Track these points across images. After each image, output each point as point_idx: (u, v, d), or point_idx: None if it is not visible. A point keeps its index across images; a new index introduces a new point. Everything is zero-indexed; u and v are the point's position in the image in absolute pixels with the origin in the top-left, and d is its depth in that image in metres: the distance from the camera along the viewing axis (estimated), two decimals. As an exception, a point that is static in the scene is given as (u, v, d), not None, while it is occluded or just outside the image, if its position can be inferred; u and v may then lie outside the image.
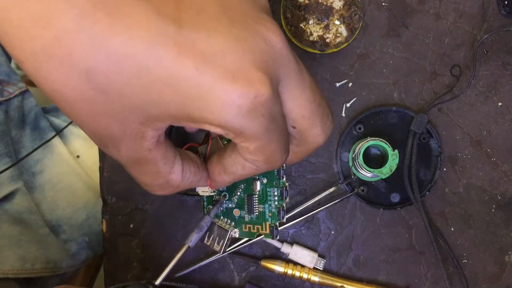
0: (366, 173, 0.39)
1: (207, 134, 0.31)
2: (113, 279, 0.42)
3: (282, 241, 0.41)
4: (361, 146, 0.37)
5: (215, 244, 0.34)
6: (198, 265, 0.41)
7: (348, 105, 0.41)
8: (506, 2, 0.39)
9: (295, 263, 0.41)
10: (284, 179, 0.33)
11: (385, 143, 0.37)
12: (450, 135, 0.41)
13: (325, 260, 0.41)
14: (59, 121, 0.61)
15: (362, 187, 0.40)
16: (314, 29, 0.39)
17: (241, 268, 0.42)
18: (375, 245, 0.41)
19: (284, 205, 0.33)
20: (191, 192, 0.41)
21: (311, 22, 0.39)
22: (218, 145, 0.30)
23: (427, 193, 0.41)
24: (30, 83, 0.67)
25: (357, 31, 0.40)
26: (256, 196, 0.33)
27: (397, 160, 0.37)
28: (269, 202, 0.33)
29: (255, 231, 0.33)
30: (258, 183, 0.33)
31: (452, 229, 0.41)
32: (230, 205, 0.34)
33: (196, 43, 0.18)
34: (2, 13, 0.17)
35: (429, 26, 0.41)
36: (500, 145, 0.41)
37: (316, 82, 0.24)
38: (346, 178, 0.41)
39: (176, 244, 0.42)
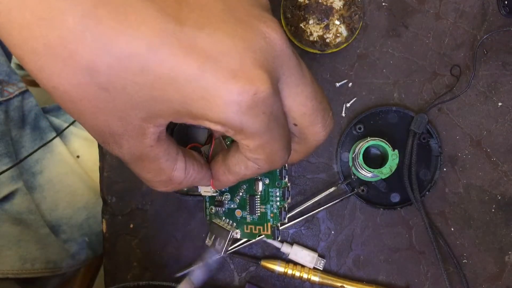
0: (366, 173, 0.39)
1: (210, 134, 0.31)
2: (113, 279, 0.42)
3: (282, 241, 0.41)
4: (361, 146, 0.37)
5: (216, 244, 0.34)
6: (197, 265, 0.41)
7: (348, 105, 0.41)
8: (506, 2, 0.39)
9: (295, 263, 0.41)
10: (286, 179, 0.33)
11: (385, 143, 0.37)
12: (450, 135, 0.41)
13: (325, 260, 0.41)
14: (59, 121, 0.61)
15: (362, 187, 0.40)
16: (314, 29, 0.39)
17: (241, 268, 0.42)
18: (375, 245, 0.41)
19: (286, 205, 0.33)
20: (192, 192, 0.41)
21: (311, 22, 0.39)
22: (221, 146, 0.30)
23: (427, 193, 0.41)
24: (30, 83, 0.67)
25: (357, 31, 0.40)
26: (258, 196, 0.33)
27: (397, 160, 0.37)
28: (271, 203, 0.33)
29: (257, 232, 0.33)
30: (260, 183, 0.33)
31: (452, 229, 0.41)
32: (232, 205, 0.34)
33: (199, 42, 0.19)
34: (5, 13, 0.17)
35: (429, 26, 0.41)
36: (500, 145, 0.41)
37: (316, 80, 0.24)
38: (346, 178, 0.41)
39: (176, 244, 0.42)
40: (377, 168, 0.37)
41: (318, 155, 0.42)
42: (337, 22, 0.39)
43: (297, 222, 0.41)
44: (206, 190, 0.31)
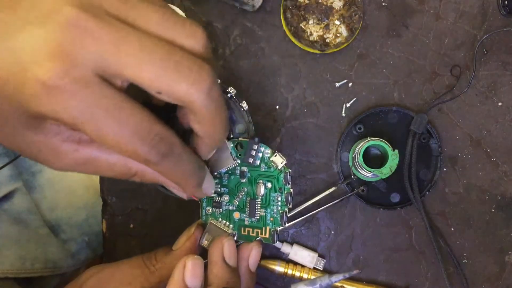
0: (366, 173, 0.39)
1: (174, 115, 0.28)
2: (113, 279, 0.42)
3: (282, 241, 0.41)
4: (361, 146, 0.37)
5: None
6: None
7: (348, 105, 0.41)
8: (506, 2, 0.39)
9: (295, 263, 0.41)
10: (290, 185, 0.33)
11: (385, 143, 0.37)
12: (450, 135, 0.41)
13: (325, 260, 0.41)
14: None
15: (362, 187, 0.40)
16: (314, 29, 0.39)
17: (241, 268, 0.42)
18: (375, 245, 0.41)
19: (287, 210, 0.33)
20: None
21: (311, 22, 0.39)
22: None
23: (427, 193, 0.41)
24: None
25: (357, 31, 0.40)
26: (259, 200, 0.33)
27: (397, 160, 0.37)
28: (271, 207, 0.33)
29: (254, 234, 0.33)
30: (262, 187, 0.33)
31: (452, 229, 0.41)
32: (230, 207, 0.34)
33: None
34: None
35: (429, 26, 0.41)
36: (500, 145, 0.41)
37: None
38: (346, 178, 0.41)
39: (176, 244, 0.42)
40: (377, 168, 0.37)
41: (318, 155, 0.42)
42: (337, 22, 0.39)
43: (297, 222, 0.41)
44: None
